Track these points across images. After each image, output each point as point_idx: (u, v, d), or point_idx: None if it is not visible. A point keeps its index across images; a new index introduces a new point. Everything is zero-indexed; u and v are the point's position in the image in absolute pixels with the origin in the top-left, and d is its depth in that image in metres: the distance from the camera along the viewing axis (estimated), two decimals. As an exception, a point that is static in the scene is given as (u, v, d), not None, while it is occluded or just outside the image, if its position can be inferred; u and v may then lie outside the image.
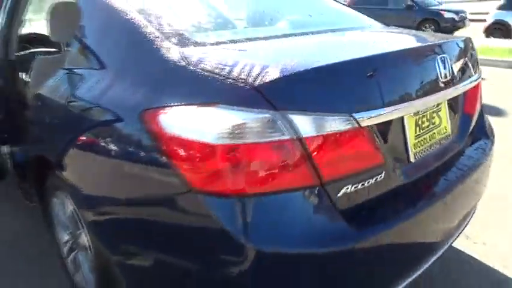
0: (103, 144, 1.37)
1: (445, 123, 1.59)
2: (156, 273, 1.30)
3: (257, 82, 1.09)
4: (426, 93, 1.41)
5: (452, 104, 1.66)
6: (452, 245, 2.24)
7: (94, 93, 1.44)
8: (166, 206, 1.21)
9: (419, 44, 1.68)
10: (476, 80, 1.73)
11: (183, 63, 1.23)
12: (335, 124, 1.13)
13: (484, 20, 11.84)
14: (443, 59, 1.48)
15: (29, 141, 2.04)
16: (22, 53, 2.82)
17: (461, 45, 1.70)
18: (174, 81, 1.23)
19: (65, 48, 2.40)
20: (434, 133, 1.53)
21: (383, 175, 1.27)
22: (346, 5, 2.59)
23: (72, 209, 1.70)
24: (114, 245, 1.45)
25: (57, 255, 2.07)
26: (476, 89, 1.77)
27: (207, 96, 1.13)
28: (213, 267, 1.15)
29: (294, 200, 1.12)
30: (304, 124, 1.10)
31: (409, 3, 12.68)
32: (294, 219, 1.11)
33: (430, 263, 1.51)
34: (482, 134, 1.86)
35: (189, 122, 1.12)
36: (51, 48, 3.28)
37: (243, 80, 1.11)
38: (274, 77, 1.10)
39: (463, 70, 1.65)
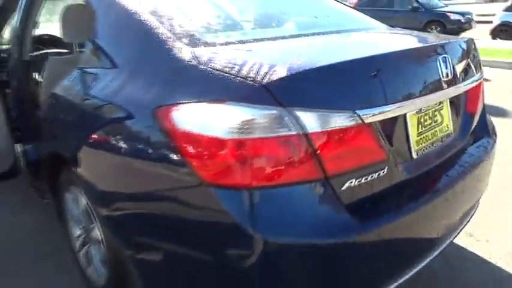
0: (116, 139, 1.43)
1: (447, 121, 1.64)
2: (168, 263, 1.35)
3: (265, 80, 1.14)
4: (428, 92, 1.46)
5: (454, 102, 1.71)
6: (456, 242, 2.29)
7: (108, 92, 1.51)
8: (177, 199, 1.27)
9: (421, 44, 1.74)
10: (478, 80, 1.77)
11: (194, 63, 1.29)
12: (339, 120, 1.18)
13: (491, 22, 11.84)
14: (445, 58, 1.53)
15: (43, 138, 2.11)
16: (35, 53, 2.90)
17: (463, 45, 1.75)
18: (186, 80, 1.28)
19: (77, 49, 2.48)
20: (436, 131, 1.57)
21: (386, 170, 1.32)
22: (351, 7, 2.64)
23: (86, 204, 1.76)
24: (127, 238, 1.51)
25: (70, 249, 2.13)
26: (478, 88, 1.81)
27: (217, 93, 1.19)
28: (222, 258, 1.21)
29: (300, 193, 1.17)
30: (310, 120, 1.15)
31: (415, 5, 12.67)
32: (300, 211, 1.17)
33: (431, 257, 1.55)
34: (484, 132, 1.90)
35: (200, 118, 1.17)
36: (63, 49, 3.38)
37: (251, 78, 1.16)
38: (282, 75, 1.15)
39: (465, 70, 1.69)
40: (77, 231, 2.01)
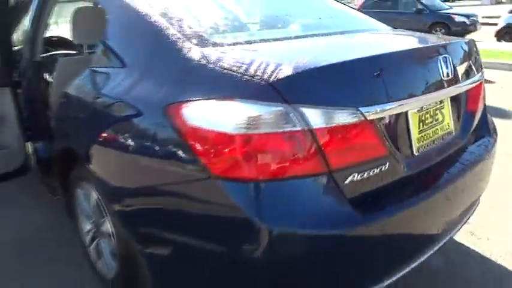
0: (128, 136, 1.49)
1: (448, 120, 1.68)
2: (177, 254, 1.41)
3: (271, 78, 1.20)
4: (429, 91, 1.51)
5: (455, 102, 1.75)
6: (457, 240, 2.33)
7: (120, 90, 1.57)
8: (186, 192, 1.33)
9: (423, 45, 1.79)
10: (478, 80, 1.82)
11: (204, 62, 1.35)
12: (343, 117, 1.24)
13: (496, 24, 11.83)
14: (445, 59, 1.58)
15: (55, 136, 2.17)
16: (46, 54, 2.97)
17: (464, 46, 1.80)
18: (196, 78, 1.34)
19: (87, 50, 2.55)
20: (437, 129, 1.62)
21: (387, 166, 1.37)
22: (355, 9, 2.69)
23: (97, 198, 1.82)
24: (137, 231, 1.56)
25: (80, 245, 2.19)
26: (478, 88, 1.86)
27: (226, 91, 1.24)
28: (229, 247, 1.26)
29: (305, 186, 1.23)
30: (315, 116, 1.20)
31: (420, 7, 12.69)
32: (304, 203, 1.22)
33: (431, 252, 1.59)
34: (485, 131, 1.94)
35: (209, 115, 1.23)
36: (72, 50, 3.45)
37: (258, 77, 1.21)
38: (287, 74, 1.21)
39: (465, 70, 1.74)
40: (87, 226, 2.07)
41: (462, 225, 1.79)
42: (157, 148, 1.37)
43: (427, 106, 1.56)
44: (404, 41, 2.03)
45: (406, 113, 1.46)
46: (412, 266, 1.52)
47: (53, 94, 2.43)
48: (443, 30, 12.17)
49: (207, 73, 1.32)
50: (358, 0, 14.41)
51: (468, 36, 11.81)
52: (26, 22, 2.89)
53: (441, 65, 1.56)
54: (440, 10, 13.03)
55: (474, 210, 1.91)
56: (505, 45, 9.97)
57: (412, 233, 1.47)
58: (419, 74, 1.52)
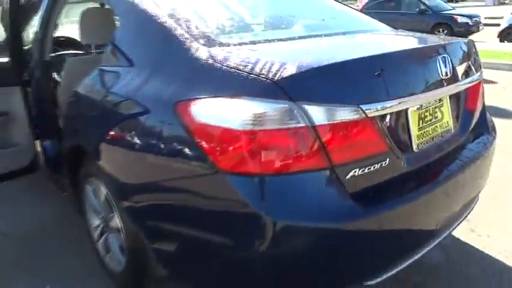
0: (137, 132, 1.55)
1: (447, 118, 1.73)
2: (184, 245, 1.47)
3: (276, 77, 1.25)
4: (428, 89, 1.56)
5: (455, 100, 1.80)
6: (458, 237, 2.38)
7: (129, 89, 1.62)
8: (194, 186, 1.38)
9: (422, 45, 1.84)
10: (477, 79, 1.86)
11: (211, 61, 1.40)
12: (344, 114, 1.29)
13: (499, 25, 11.84)
14: (444, 58, 1.63)
15: (64, 134, 2.22)
16: (54, 54, 3.03)
17: (463, 46, 1.84)
18: (203, 77, 1.40)
19: (95, 50, 2.61)
20: (436, 126, 1.67)
21: (387, 162, 1.42)
22: (358, 10, 2.74)
23: (106, 194, 1.87)
24: (146, 225, 1.61)
25: (88, 240, 2.24)
26: (477, 87, 1.90)
27: (232, 89, 1.29)
28: (236, 240, 1.32)
29: (308, 180, 1.28)
30: (318, 114, 1.25)
31: (422, 7, 12.71)
32: (307, 196, 1.27)
33: (430, 247, 1.64)
34: (484, 130, 1.98)
35: (216, 112, 1.29)
36: (79, 50, 3.52)
37: (263, 75, 1.27)
38: (291, 73, 1.26)
39: (464, 69, 1.78)
40: (96, 222, 2.12)
41: (461, 221, 1.83)
42: (165, 144, 1.42)
43: (427, 104, 1.60)
44: (405, 41, 2.08)
45: (406, 110, 1.50)
46: (412, 259, 1.56)
47: (62, 93, 2.49)
48: (446, 31, 12.18)
49: (214, 72, 1.37)
50: (361, 1, 14.45)
51: (471, 37, 11.83)
52: (34, 22, 2.95)
53: (440, 65, 1.61)
54: (443, 11, 13.04)
55: (473, 207, 1.95)
56: (507, 46, 9.99)
57: (411, 227, 1.52)
58: (418, 73, 1.57)
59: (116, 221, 1.85)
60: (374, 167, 1.37)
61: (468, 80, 1.80)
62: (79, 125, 2.06)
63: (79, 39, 2.78)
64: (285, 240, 1.26)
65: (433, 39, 1.96)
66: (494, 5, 29.68)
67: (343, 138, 1.30)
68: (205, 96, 1.32)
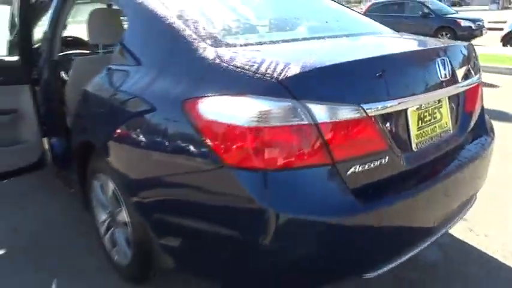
0: (146, 129, 1.60)
1: (446, 118, 1.78)
2: (191, 237, 1.52)
3: (281, 76, 1.31)
4: (427, 90, 1.61)
5: (453, 102, 1.85)
6: (456, 236, 2.42)
7: (138, 87, 1.68)
8: (201, 180, 1.43)
9: (422, 47, 1.90)
10: (475, 82, 1.91)
11: (218, 61, 1.46)
12: (346, 113, 1.34)
13: (502, 29, 11.87)
14: (443, 61, 1.68)
15: (73, 130, 2.28)
16: (63, 53, 3.09)
17: (462, 49, 1.90)
18: (211, 76, 1.45)
19: (102, 50, 2.67)
20: (435, 127, 1.72)
21: (387, 159, 1.47)
22: (361, 13, 2.80)
23: (113, 189, 1.93)
24: (154, 218, 1.67)
25: (96, 235, 2.30)
26: (476, 89, 1.95)
27: (239, 87, 1.35)
28: (240, 232, 1.37)
29: (310, 175, 1.33)
30: (320, 112, 1.31)
31: (426, 11, 12.76)
32: (309, 191, 1.33)
33: (427, 243, 1.68)
34: (482, 131, 2.03)
35: (223, 109, 1.34)
36: (86, 50, 3.59)
37: (268, 75, 1.32)
38: (295, 72, 1.32)
39: (463, 72, 1.84)
40: (103, 217, 2.18)
41: (458, 219, 1.87)
42: (173, 140, 1.48)
43: (426, 105, 1.66)
44: (405, 43, 2.13)
45: (405, 110, 1.56)
46: (410, 254, 1.61)
47: (70, 91, 2.55)
48: (449, 35, 12.22)
49: (221, 71, 1.42)
50: (364, 4, 14.49)
51: (474, 41, 11.87)
52: (43, 21, 3.01)
53: (439, 67, 1.66)
54: (446, 15, 13.08)
55: (471, 206, 1.99)
56: (510, 50, 10.02)
57: (409, 224, 1.57)
58: (418, 74, 1.62)
59: (123, 215, 1.91)
60: (374, 164, 1.43)
61: (467, 82, 1.85)
62: (88, 122, 2.11)
63: (87, 39, 2.85)
64: (287, 233, 1.31)
65: (433, 42, 2.01)
66: (498, 9, 29.71)
67: (344, 136, 1.36)
68: (213, 94, 1.38)
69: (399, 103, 1.49)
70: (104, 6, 3.31)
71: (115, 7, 2.92)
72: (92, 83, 2.03)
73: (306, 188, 1.32)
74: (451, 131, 1.82)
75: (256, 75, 1.34)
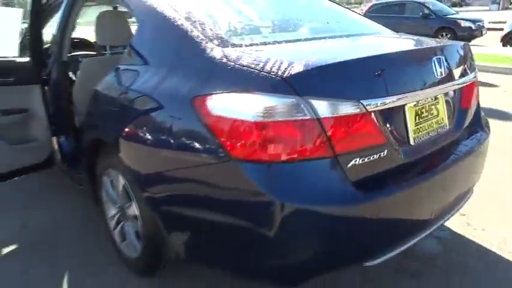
0: (156, 126, 1.68)
1: (443, 114, 1.86)
2: (204, 228, 1.60)
3: (285, 74, 1.39)
4: (424, 88, 1.69)
5: (450, 99, 1.93)
6: (454, 230, 2.50)
7: (149, 85, 1.76)
8: (209, 173, 1.51)
9: (419, 47, 1.98)
10: (470, 80, 1.99)
11: (225, 60, 1.54)
12: (346, 108, 1.42)
13: (502, 29, 11.93)
14: (439, 59, 1.76)
15: (84, 128, 2.36)
16: (72, 54, 3.18)
17: (458, 49, 1.98)
18: (218, 74, 1.53)
19: (109, 51, 2.75)
20: (432, 122, 1.80)
21: (386, 153, 1.54)
22: (362, 14, 2.88)
23: (124, 184, 2.00)
24: (164, 211, 1.74)
25: (105, 231, 2.38)
26: (471, 87, 2.03)
27: (245, 85, 1.43)
28: (247, 222, 1.45)
29: (313, 167, 1.41)
30: (322, 107, 1.39)
31: (426, 12, 12.82)
32: (312, 182, 1.41)
33: (425, 234, 1.76)
34: (478, 127, 2.11)
35: (231, 105, 1.42)
36: (92, 51, 3.67)
37: (273, 73, 1.40)
38: (298, 70, 1.40)
39: (458, 70, 1.91)
40: (112, 211, 2.26)
41: (454, 212, 1.94)
42: (183, 136, 1.56)
43: (423, 101, 1.73)
44: (403, 43, 2.22)
45: (403, 106, 1.63)
46: (408, 244, 1.68)
47: (80, 91, 2.63)
48: (449, 35, 12.28)
49: (229, 70, 1.50)
50: (365, 5, 14.56)
51: (474, 42, 11.93)
52: (52, 23, 3.09)
53: (435, 65, 1.74)
54: (446, 15, 13.14)
55: (467, 200, 2.06)
56: (509, 50, 10.09)
57: (408, 214, 1.64)
58: (415, 72, 1.70)
59: (133, 209, 1.98)
60: (373, 157, 1.50)
61: (462, 80, 1.93)
62: (99, 120, 2.19)
63: (94, 41, 2.92)
64: (291, 222, 1.39)
65: (430, 42, 2.09)
66: (498, 9, 29.76)
67: (345, 130, 1.43)
68: (221, 91, 1.46)
69: (397, 99, 1.57)
70: (111, 8, 3.40)
71: (123, 9, 3.01)
72: (103, 82, 2.11)
73: (309, 180, 1.40)
74: (448, 127, 1.89)
75: (262, 73, 1.42)
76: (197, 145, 1.50)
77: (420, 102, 1.72)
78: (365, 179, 1.49)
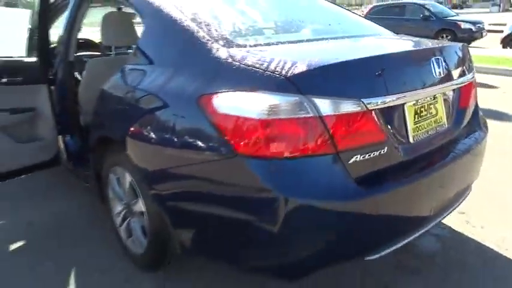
0: (164, 124, 1.73)
1: (441, 114, 1.91)
2: (209, 223, 1.65)
3: (288, 73, 1.44)
4: (423, 87, 1.74)
5: (448, 98, 1.98)
6: (453, 228, 2.54)
7: (156, 84, 1.81)
8: (215, 169, 1.55)
9: (418, 47, 2.03)
10: (468, 80, 2.04)
11: (230, 60, 1.59)
12: (348, 106, 1.47)
13: (502, 31, 11.99)
14: (438, 60, 1.81)
15: (90, 127, 2.41)
16: (78, 54, 3.23)
17: (456, 50, 2.03)
18: (224, 73, 1.58)
19: (114, 52, 2.80)
20: (431, 121, 1.84)
21: (386, 150, 1.59)
22: (363, 16, 2.94)
23: (130, 181, 2.06)
24: (172, 207, 1.79)
25: (111, 228, 2.42)
26: (469, 87, 2.08)
27: (250, 84, 1.48)
28: (252, 216, 1.50)
29: (315, 164, 1.46)
30: (324, 105, 1.44)
31: (426, 13, 12.87)
32: (315, 178, 1.46)
33: (424, 230, 1.80)
34: (476, 127, 2.16)
35: (236, 103, 1.47)
36: (97, 51, 3.72)
37: (277, 72, 1.45)
38: (302, 70, 1.45)
39: (457, 70, 1.97)
40: (119, 208, 2.30)
41: (453, 209, 1.99)
42: (190, 133, 1.61)
43: (422, 100, 1.78)
44: (403, 44, 2.27)
45: (403, 105, 1.68)
46: (408, 239, 1.73)
47: (87, 91, 2.68)
48: (449, 37, 12.32)
49: (234, 69, 1.55)
50: (366, 7, 14.62)
51: (474, 43, 11.98)
52: (58, 23, 3.14)
53: (434, 65, 1.79)
54: (447, 17, 13.18)
55: (466, 197, 2.11)
56: (509, 52, 10.14)
57: (408, 210, 1.69)
58: (415, 72, 1.76)
59: (140, 206, 2.03)
60: (374, 154, 1.55)
61: (460, 80, 1.98)
62: (107, 119, 2.24)
63: (99, 41, 2.97)
64: (295, 217, 1.44)
65: (429, 43, 2.14)
66: (499, 11, 29.83)
67: (346, 128, 1.48)
68: (227, 90, 1.51)
69: (397, 98, 1.62)
70: (116, 9, 3.46)
71: (128, 11, 3.06)
72: (110, 82, 2.16)
73: (312, 175, 1.45)
74: (446, 126, 1.94)
75: (266, 72, 1.47)
76: (203, 142, 1.55)
77: (419, 101, 1.77)
78: (366, 175, 1.54)
